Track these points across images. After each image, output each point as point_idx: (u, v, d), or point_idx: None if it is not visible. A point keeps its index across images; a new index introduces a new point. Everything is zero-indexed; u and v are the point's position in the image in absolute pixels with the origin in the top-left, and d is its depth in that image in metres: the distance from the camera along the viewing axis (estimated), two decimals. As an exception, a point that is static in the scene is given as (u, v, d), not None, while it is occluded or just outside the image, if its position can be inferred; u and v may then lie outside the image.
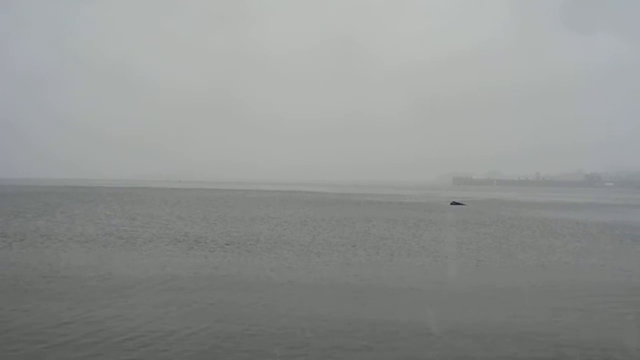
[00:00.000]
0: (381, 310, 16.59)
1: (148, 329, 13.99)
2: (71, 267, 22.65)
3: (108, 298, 17.09)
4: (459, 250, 30.23)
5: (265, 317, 15.33)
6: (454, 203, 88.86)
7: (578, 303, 17.76)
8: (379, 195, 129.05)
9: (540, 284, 21.03)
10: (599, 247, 33.15)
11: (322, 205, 74.90)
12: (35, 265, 22.60)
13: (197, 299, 17.29)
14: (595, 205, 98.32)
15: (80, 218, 46.38)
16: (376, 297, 18.48)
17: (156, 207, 63.16)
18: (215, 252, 27.79)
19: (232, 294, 18.29)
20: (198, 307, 16.35)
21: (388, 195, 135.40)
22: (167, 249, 28.78)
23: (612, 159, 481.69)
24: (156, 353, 12.40)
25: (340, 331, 14.03)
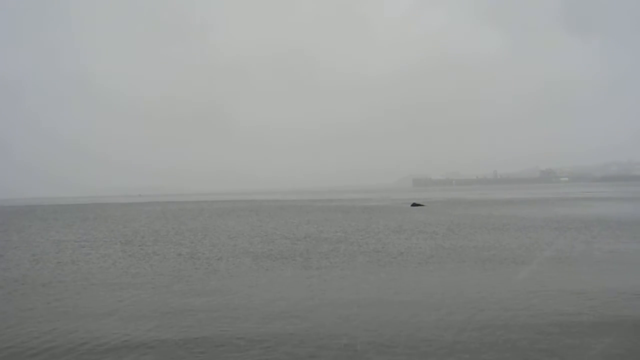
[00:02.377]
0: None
1: None
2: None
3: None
4: (407, 250, 31.28)
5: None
6: (414, 204, 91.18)
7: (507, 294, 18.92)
8: (344, 200, 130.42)
9: (472, 277, 22.20)
10: (544, 240, 34.69)
11: (284, 213, 75.55)
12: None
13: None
14: (547, 200, 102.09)
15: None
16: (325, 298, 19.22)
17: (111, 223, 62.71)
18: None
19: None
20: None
21: (352, 199, 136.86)
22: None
23: (566, 156, 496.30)
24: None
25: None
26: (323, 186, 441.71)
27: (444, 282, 21.40)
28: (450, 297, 18.43)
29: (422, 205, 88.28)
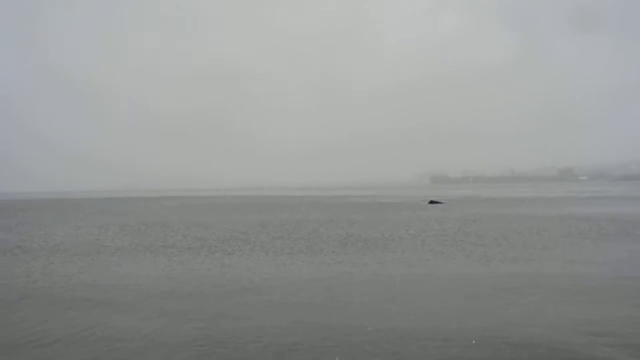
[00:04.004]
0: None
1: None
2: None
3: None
4: (418, 246, 31.80)
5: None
6: (432, 202, 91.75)
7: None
8: (361, 197, 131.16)
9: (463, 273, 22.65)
10: (554, 241, 34.95)
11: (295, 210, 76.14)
12: None
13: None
14: (564, 198, 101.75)
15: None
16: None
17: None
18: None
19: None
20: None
21: (372, 195, 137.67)
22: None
23: (585, 154, 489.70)
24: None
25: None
26: (344, 181, 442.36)
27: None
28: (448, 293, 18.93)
29: (441, 203, 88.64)
